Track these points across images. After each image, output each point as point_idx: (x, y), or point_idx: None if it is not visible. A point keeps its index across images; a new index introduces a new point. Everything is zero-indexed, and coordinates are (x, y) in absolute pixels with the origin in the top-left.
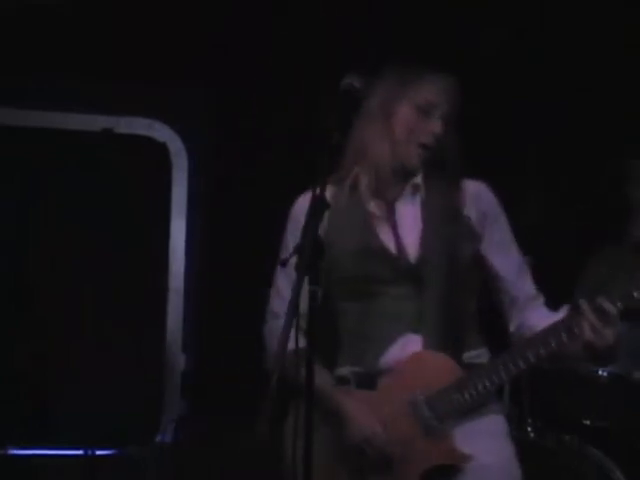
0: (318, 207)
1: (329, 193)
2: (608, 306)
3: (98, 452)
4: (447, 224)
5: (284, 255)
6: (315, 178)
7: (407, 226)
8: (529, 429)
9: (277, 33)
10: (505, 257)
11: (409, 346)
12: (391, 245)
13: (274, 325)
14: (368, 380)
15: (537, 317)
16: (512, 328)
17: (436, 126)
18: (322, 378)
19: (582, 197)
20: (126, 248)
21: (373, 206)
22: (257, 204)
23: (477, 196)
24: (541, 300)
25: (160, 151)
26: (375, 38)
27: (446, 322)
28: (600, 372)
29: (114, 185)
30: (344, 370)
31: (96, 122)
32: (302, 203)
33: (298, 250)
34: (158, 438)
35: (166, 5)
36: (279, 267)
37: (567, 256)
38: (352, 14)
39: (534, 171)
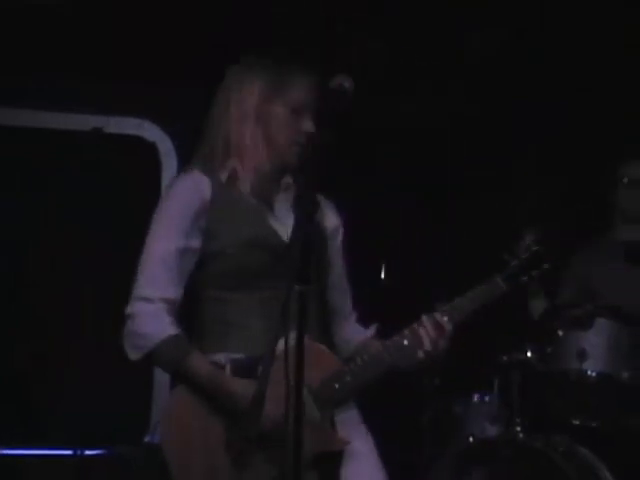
0: (308, 208)
1: (202, 181)
2: (443, 320)
3: (87, 452)
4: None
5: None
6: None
7: (285, 219)
8: (518, 429)
9: (277, 33)
10: (339, 276)
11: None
12: (283, 233)
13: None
14: (247, 368)
15: (352, 331)
16: (336, 339)
17: (309, 125)
18: (206, 365)
19: (582, 197)
20: (120, 248)
21: (255, 203)
22: None
23: (334, 212)
24: (355, 316)
25: (150, 151)
26: (375, 38)
27: (323, 321)
28: (589, 372)
29: (103, 184)
30: (219, 356)
31: (86, 122)
32: (186, 183)
33: (288, 250)
34: (147, 438)
35: (160, 6)
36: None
37: (567, 256)
38: (352, 14)
39: (534, 171)
